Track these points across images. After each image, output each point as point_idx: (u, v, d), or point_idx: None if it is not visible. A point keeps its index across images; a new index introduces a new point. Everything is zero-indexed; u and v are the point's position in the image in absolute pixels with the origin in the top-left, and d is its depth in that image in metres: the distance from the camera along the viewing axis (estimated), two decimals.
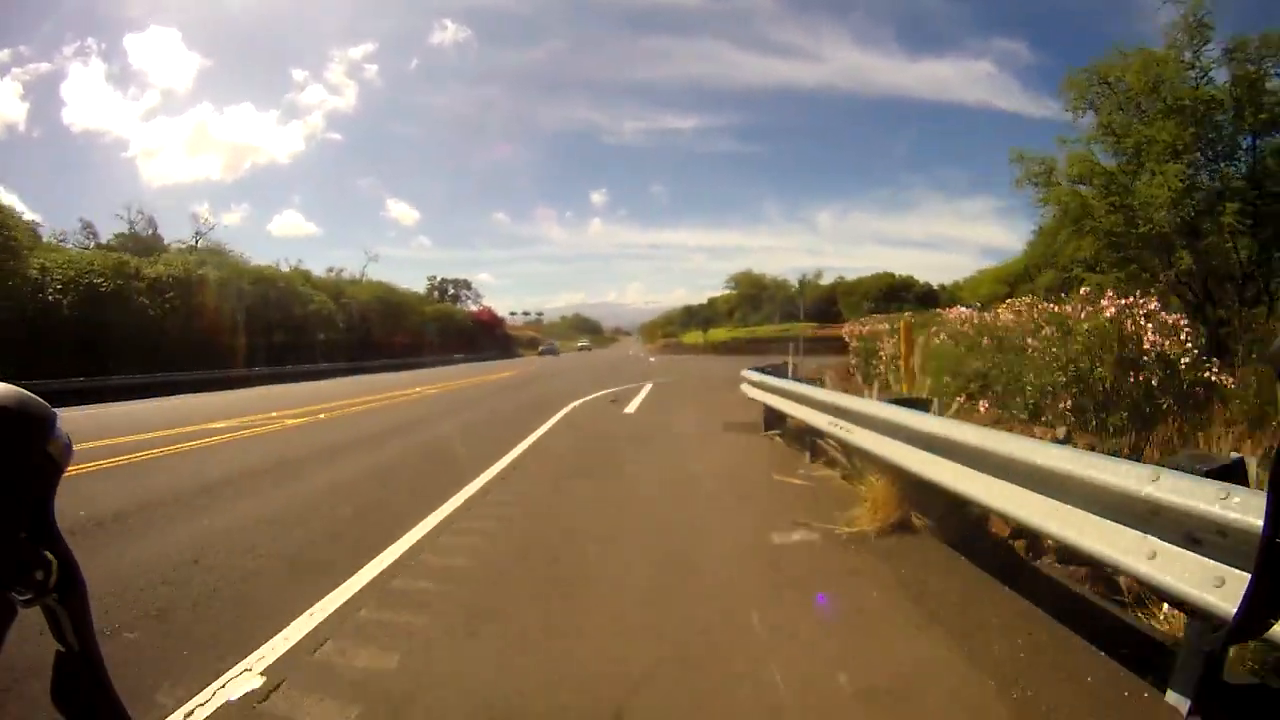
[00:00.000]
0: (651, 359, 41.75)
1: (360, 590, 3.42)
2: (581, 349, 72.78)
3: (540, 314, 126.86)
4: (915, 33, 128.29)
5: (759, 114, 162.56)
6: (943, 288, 70.91)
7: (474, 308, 66.38)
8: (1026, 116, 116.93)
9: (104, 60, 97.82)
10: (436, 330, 51.84)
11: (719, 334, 51.16)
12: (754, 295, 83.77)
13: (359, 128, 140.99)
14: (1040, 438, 4.83)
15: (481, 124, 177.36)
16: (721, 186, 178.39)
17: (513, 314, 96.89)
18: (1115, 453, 4.82)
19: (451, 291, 66.00)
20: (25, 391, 0.56)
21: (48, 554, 0.56)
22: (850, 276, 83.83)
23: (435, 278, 66.49)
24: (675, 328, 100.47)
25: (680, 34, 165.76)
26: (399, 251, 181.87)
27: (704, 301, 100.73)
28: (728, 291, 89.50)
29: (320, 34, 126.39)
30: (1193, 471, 1.92)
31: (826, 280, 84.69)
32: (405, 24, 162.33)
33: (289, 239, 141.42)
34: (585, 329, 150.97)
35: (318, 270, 46.32)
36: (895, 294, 67.63)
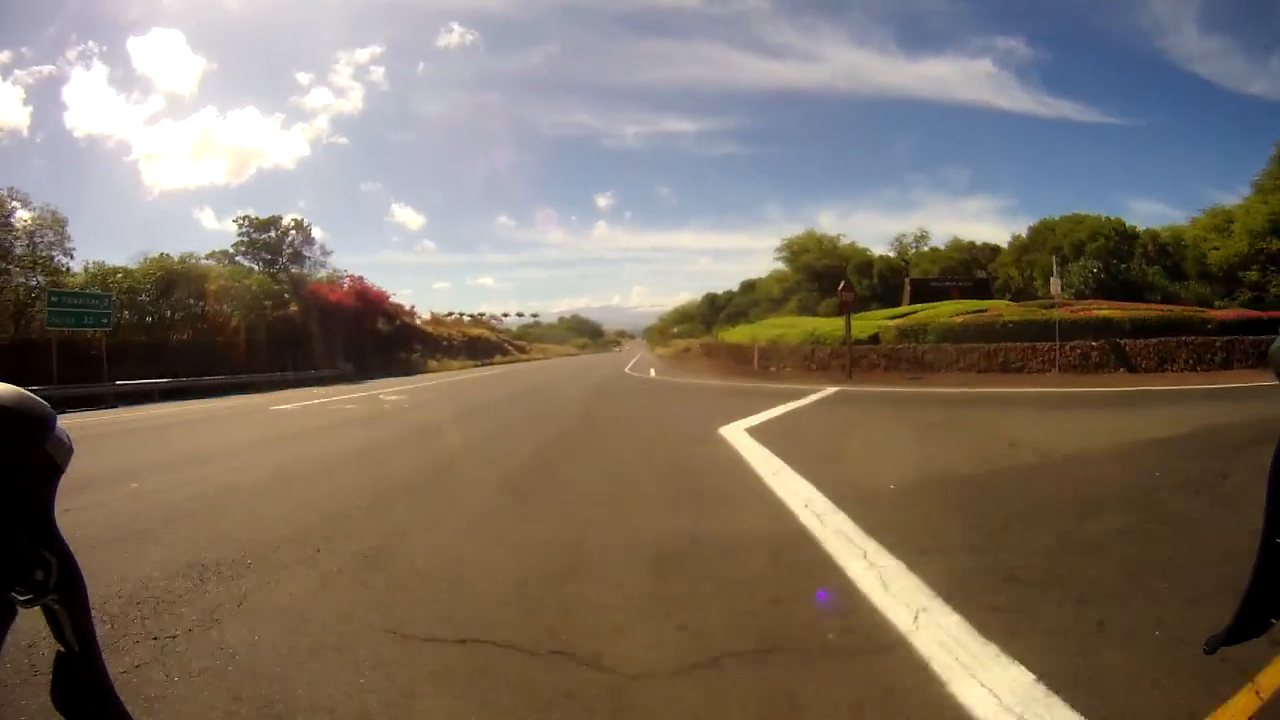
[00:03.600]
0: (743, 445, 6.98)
1: None
2: None
3: (536, 315, 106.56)
4: (913, 32, 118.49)
5: (759, 116, 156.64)
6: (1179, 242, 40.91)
7: (341, 281, 34.17)
8: (1026, 115, 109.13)
9: (106, 63, 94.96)
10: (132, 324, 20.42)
11: (868, 320, 21.00)
12: (828, 270, 53.37)
13: (365, 132, 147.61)
14: None
15: (485, 128, 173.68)
16: (724, 189, 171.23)
17: (505, 315, 77.99)
18: None
19: (291, 248, 33.72)
20: (25, 391, 0.54)
21: (47, 554, 0.54)
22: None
23: (244, 218, 33.77)
24: (693, 325, 70.03)
25: (677, 36, 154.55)
26: (404, 256, 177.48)
27: (734, 288, 70.38)
28: (780, 268, 59.11)
29: (326, 36, 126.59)
30: None
31: (936, 241, 54.71)
32: (412, 27, 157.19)
33: None
34: (584, 331, 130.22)
35: None
36: (1120, 249, 37.78)
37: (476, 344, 51.55)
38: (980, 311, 24.46)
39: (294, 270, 33.49)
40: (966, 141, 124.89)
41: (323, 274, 33.73)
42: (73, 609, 0.56)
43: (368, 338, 32.77)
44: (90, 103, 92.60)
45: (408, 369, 31.77)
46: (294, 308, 29.35)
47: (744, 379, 20.26)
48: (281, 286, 29.69)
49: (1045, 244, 40.18)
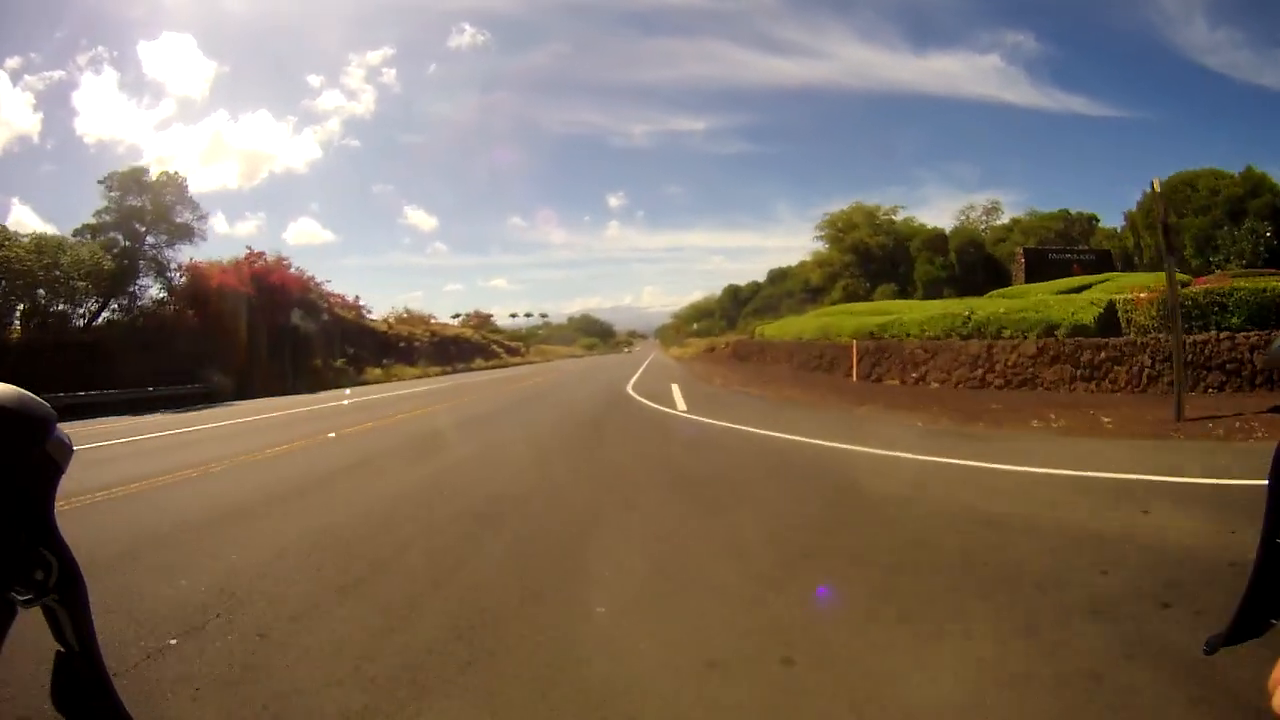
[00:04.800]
0: None
1: None
2: None
3: (545, 315, 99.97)
4: (921, 28, 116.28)
5: (766, 114, 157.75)
6: None
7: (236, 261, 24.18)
8: (1034, 110, 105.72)
9: (117, 68, 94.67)
10: None
11: (1027, 297, 12.23)
12: (884, 250, 43.48)
13: (377, 134, 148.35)
14: None
15: (497, 129, 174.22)
16: (734, 187, 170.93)
17: (513, 315, 75.18)
18: None
19: (165, 219, 23.71)
20: (25, 391, 0.55)
21: (48, 554, 0.55)
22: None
23: (111, 175, 23.65)
24: (713, 322, 60.53)
25: (684, 35, 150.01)
26: (416, 259, 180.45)
27: (761, 279, 60.82)
28: (821, 249, 49.20)
29: (338, 38, 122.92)
30: None
31: (1016, 212, 44.54)
32: (424, 28, 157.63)
33: (304, 247, 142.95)
34: (594, 331, 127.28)
35: None
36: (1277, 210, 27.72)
37: (450, 346, 42.11)
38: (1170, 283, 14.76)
39: (181, 246, 24.21)
40: (976, 137, 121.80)
41: (205, 248, 24.09)
42: (73, 609, 0.56)
43: (278, 337, 23.44)
44: (101, 108, 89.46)
45: (326, 381, 22.43)
46: (157, 294, 20.23)
47: (923, 423, 10.20)
48: (132, 265, 20.43)
49: (1188, 203, 30.35)
